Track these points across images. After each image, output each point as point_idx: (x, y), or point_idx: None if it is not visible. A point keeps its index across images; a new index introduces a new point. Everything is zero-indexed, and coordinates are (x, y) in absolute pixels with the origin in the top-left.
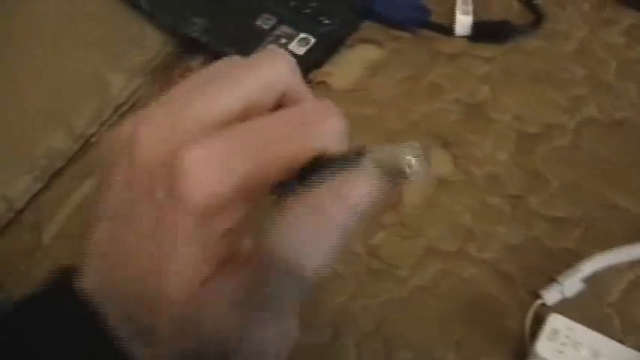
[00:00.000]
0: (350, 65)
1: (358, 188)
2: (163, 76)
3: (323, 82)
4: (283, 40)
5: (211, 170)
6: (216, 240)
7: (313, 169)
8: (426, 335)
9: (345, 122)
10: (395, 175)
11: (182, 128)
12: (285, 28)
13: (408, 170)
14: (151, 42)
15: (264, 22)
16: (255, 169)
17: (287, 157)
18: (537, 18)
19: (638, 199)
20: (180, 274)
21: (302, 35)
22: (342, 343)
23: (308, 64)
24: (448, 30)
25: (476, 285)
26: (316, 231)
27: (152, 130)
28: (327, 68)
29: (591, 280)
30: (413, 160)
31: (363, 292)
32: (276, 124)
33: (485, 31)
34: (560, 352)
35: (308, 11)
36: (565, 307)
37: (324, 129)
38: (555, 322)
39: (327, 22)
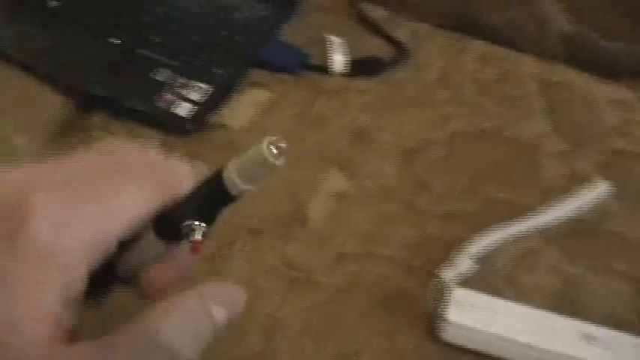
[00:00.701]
0: (243, 107)
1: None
2: (65, 135)
3: (221, 124)
4: (181, 90)
5: (57, 215)
6: (61, 301)
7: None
8: (351, 327)
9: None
10: (261, 167)
11: None
12: (181, 79)
13: (270, 157)
14: (51, 101)
15: (161, 74)
16: (102, 223)
17: (134, 211)
18: (402, 53)
19: (508, 189)
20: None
21: (197, 84)
22: (274, 347)
23: (206, 109)
24: (325, 69)
25: (387, 280)
26: (197, 325)
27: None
28: (223, 112)
29: (481, 259)
30: (273, 147)
31: (287, 301)
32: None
33: (358, 68)
34: (467, 316)
35: (200, 63)
36: (462, 284)
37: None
38: (458, 293)
39: (219, 71)
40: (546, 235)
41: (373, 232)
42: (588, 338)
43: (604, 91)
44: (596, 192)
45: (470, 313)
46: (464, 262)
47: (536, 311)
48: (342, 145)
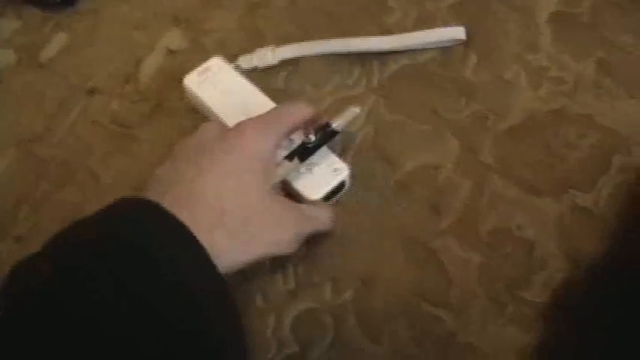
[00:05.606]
0: None
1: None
2: None
3: None
4: None
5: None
6: None
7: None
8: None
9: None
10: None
11: None
12: None
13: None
14: None
15: None
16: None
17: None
18: None
19: (345, 35)
20: None
21: None
22: (88, 198)
23: None
24: None
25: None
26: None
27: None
28: None
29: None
30: None
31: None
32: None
33: None
34: (201, 84)
35: None
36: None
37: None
38: (213, 62)
39: None
40: (374, 82)
41: None
42: None
43: None
44: (442, 35)
45: (206, 83)
46: (262, 57)
47: None
48: (191, 5)
